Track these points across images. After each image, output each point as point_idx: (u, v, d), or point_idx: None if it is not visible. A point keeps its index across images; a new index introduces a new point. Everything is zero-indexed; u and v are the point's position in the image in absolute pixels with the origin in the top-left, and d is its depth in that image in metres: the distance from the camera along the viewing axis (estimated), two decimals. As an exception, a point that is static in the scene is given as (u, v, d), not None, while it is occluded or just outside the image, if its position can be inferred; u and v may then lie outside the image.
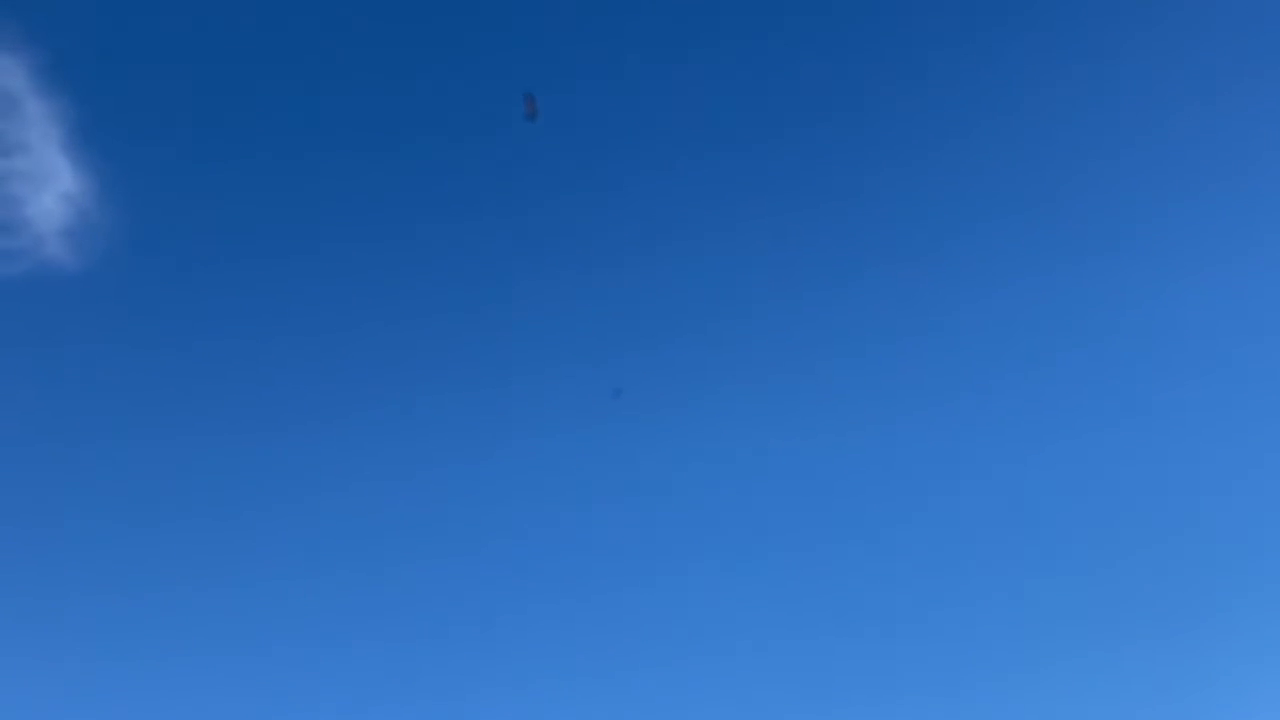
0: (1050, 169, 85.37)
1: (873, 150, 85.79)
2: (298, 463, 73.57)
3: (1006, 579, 71.51)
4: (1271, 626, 67.57)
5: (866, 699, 66.81)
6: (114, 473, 72.10)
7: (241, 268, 79.00)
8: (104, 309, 76.83)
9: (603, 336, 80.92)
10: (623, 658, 68.63)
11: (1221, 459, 75.39)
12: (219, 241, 79.51)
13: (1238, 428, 76.25)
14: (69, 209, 77.81)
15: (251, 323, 77.74)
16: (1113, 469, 75.50)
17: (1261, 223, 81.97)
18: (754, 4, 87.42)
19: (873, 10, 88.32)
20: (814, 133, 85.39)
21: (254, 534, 71.58)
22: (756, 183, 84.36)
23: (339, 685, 65.97)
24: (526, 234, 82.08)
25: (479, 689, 66.87)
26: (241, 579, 68.97)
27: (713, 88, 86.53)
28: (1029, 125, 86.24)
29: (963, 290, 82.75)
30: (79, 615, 68.23)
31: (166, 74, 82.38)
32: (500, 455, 75.18)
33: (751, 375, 79.62)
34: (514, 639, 69.04)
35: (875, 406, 78.44)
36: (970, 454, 76.64)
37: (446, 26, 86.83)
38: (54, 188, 79.60)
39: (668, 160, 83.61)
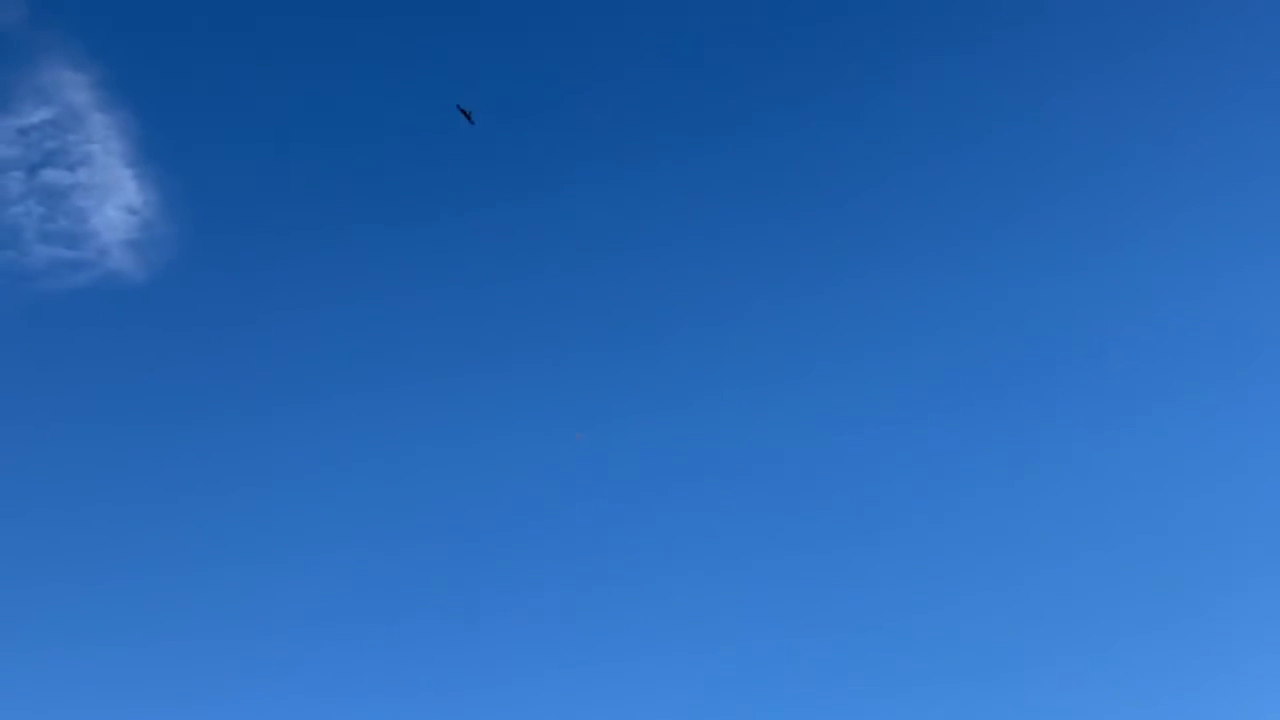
0: (1042, 173, 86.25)
1: (864, 153, 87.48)
2: (352, 462, 75.51)
3: (1004, 578, 73.00)
4: (1272, 627, 68.08)
5: (864, 696, 68.24)
6: (177, 469, 74.67)
7: (300, 275, 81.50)
8: (168, 317, 79.55)
9: (598, 335, 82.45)
10: (618, 651, 70.39)
11: (1220, 458, 76.26)
12: (279, 250, 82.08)
13: (1237, 427, 76.80)
14: (132, 220, 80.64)
15: (311, 327, 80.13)
16: (1110, 467, 76.82)
17: (1260, 225, 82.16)
18: (746, 7, 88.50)
19: (867, 12, 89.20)
20: (802, 135, 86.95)
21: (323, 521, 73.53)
22: (756, 183, 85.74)
23: (334, 673, 68.18)
24: (523, 233, 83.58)
25: (470, 679, 68.90)
26: (244, 564, 71.23)
27: (708, 88, 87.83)
28: (1021, 128, 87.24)
29: (959, 291, 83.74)
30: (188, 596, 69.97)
31: (226, 88, 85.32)
32: (493, 450, 77.31)
33: (748, 374, 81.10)
34: (507, 630, 71.05)
35: (874, 406, 79.90)
36: (967, 455, 78.39)
37: (447, 30, 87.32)
38: (117, 200, 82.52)
39: (662, 159, 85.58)
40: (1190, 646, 68.78)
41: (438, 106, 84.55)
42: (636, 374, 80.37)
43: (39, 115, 79.77)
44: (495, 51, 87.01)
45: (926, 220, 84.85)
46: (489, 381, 79.34)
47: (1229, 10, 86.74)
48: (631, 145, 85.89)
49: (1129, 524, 73.80)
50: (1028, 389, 78.98)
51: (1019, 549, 73.45)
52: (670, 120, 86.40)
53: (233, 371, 78.43)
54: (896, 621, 70.34)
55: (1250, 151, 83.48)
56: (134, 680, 66.81)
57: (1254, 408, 76.98)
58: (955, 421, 78.22)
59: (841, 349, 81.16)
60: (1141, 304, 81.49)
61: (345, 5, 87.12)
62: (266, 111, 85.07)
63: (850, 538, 74.13)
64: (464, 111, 64.32)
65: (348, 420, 77.02)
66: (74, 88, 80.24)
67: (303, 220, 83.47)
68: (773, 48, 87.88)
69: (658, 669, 68.89)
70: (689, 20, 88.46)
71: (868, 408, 78.67)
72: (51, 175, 79.68)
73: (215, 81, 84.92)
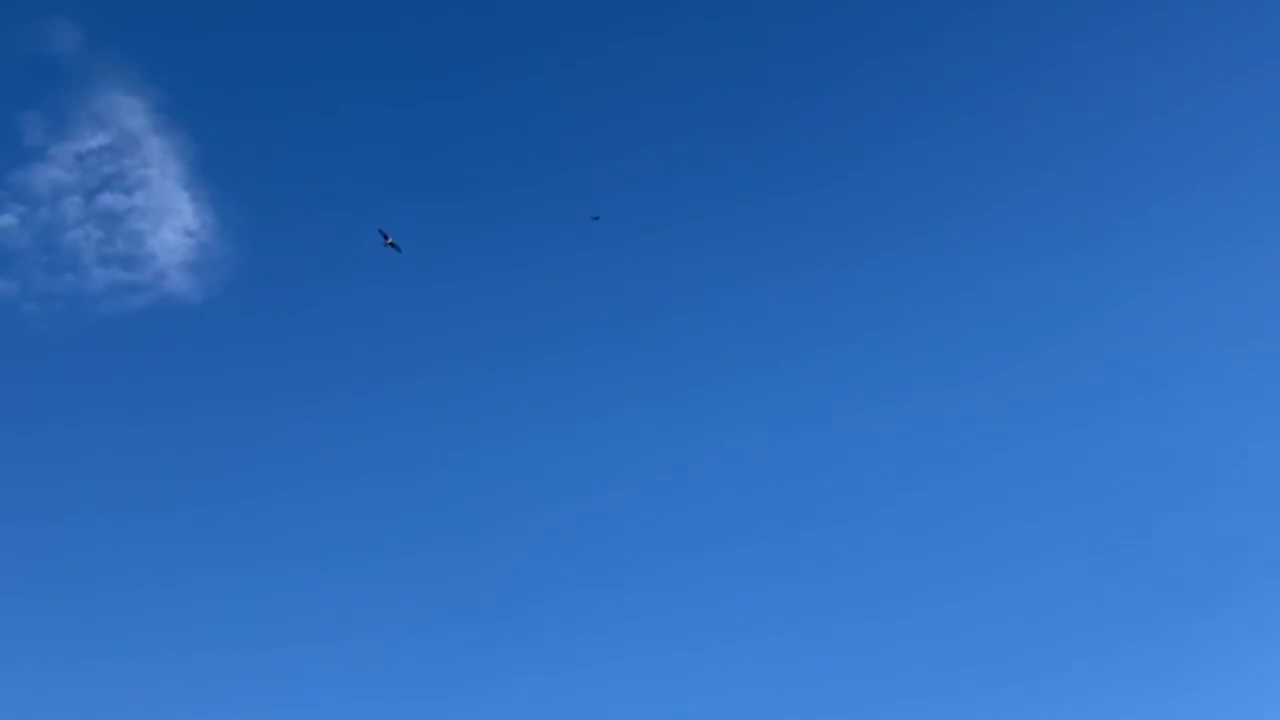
0: (1036, 167, 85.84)
1: (860, 150, 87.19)
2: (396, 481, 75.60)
3: (999, 574, 72.50)
4: (1271, 627, 66.98)
5: (861, 693, 67.68)
6: (234, 484, 74.92)
7: (355, 294, 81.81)
8: (225, 339, 79.96)
9: (591, 332, 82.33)
10: (617, 649, 70.03)
11: (1220, 457, 75.29)
12: (334, 271, 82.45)
13: (1236, 426, 75.85)
14: (189, 243, 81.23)
15: (366, 346, 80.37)
16: (1106, 466, 76.15)
17: (1252, 220, 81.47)
18: (746, 6, 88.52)
19: (866, 11, 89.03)
20: (800, 135, 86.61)
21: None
22: (752, 182, 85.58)
23: (337, 674, 68.23)
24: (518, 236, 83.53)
25: (470, 679, 68.59)
26: (251, 571, 71.42)
27: (706, 88, 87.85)
28: (1012, 124, 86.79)
29: (950, 284, 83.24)
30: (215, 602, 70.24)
31: (280, 111, 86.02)
32: (488, 449, 77.29)
33: (742, 368, 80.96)
34: (507, 629, 70.75)
35: (864, 400, 79.73)
36: (961, 449, 78.21)
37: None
38: (174, 223, 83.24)
39: (655, 156, 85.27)
40: (1189, 647, 68.71)
41: (492, 133, 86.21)
42: (633, 369, 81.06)
43: (96, 140, 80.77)
44: (494, 52, 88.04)
45: (917, 214, 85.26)
46: (478, 377, 79.93)
47: (1228, 9, 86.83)
48: (630, 144, 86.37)
49: (1125, 518, 73.78)
50: (1025, 380, 79.16)
51: (1016, 540, 73.53)
52: (669, 119, 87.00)
53: (290, 390, 78.83)
54: (897, 616, 70.88)
55: (1248, 149, 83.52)
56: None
57: (1253, 398, 76.68)
58: (952, 413, 78.40)
59: (837, 341, 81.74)
60: (1137, 295, 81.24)
61: (395, 35, 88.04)
62: (320, 134, 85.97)
63: (847, 530, 74.46)
64: (386, 238, 66.22)
65: (402, 431, 77.53)
66: (130, 112, 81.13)
67: (356, 240, 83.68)
68: (770, 47, 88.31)
69: (658, 668, 69.29)
70: (688, 20, 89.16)
71: (865, 400, 79.23)
72: (109, 199, 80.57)
73: (269, 105, 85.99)
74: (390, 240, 68.20)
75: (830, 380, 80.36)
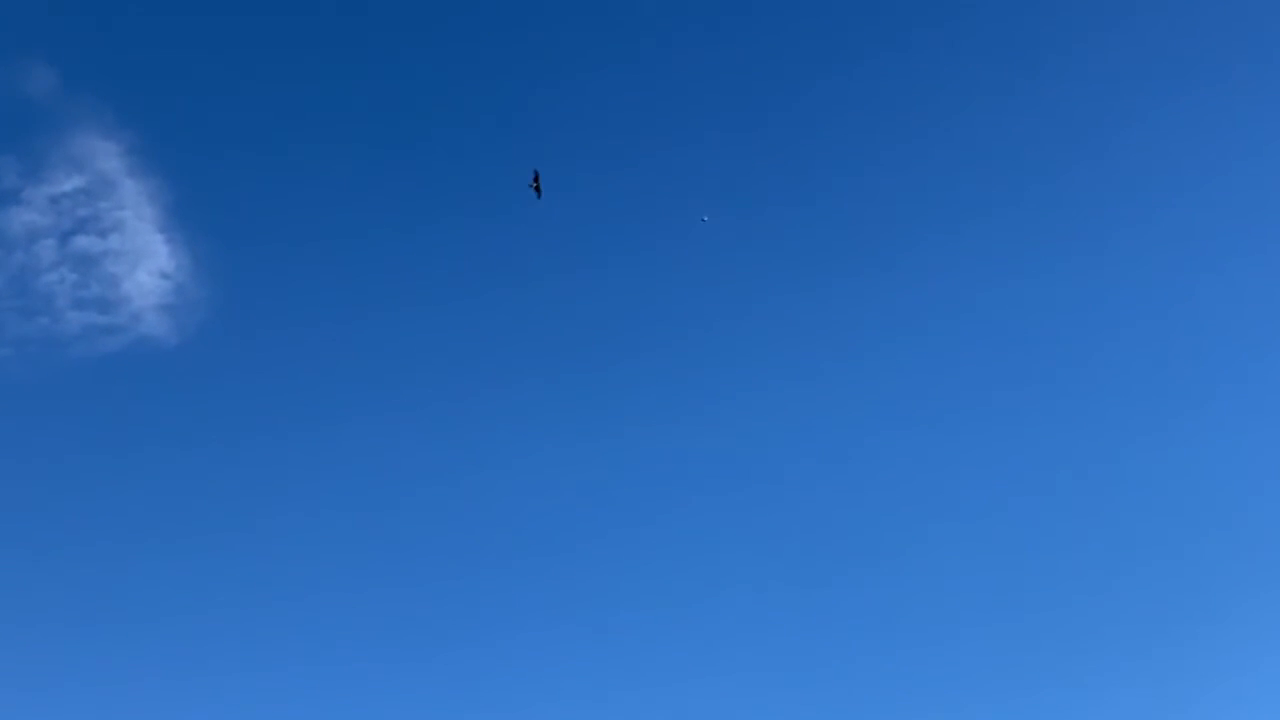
0: (1040, 171, 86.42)
1: (859, 154, 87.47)
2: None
3: (1002, 582, 72.43)
4: (1271, 628, 67.32)
5: (862, 701, 67.44)
6: (208, 530, 74.39)
7: (331, 336, 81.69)
8: (201, 381, 79.62)
9: (597, 341, 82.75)
10: (621, 661, 69.74)
11: (1221, 459, 75.68)
12: (309, 312, 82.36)
13: (1237, 428, 76.38)
14: (164, 285, 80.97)
15: (343, 388, 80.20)
16: (1105, 469, 76.20)
17: (1254, 222, 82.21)
18: (745, 6, 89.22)
19: (866, 10, 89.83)
20: (799, 135, 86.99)
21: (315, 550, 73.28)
22: (751, 185, 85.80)
23: (342, 687, 67.64)
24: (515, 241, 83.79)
25: (474, 690, 68.15)
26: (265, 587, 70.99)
27: (704, 88, 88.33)
28: (1020, 124, 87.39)
29: (962, 290, 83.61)
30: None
31: (255, 153, 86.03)
32: (491, 461, 77.22)
33: (749, 377, 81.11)
34: (511, 642, 70.36)
35: (880, 408, 79.98)
36: (969, 459, 77.83)
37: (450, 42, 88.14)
38: (149, 265, 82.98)
39: (660, 160, 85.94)
40: (1188, 645, 68.80)
41: (468, 168, 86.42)
42: (638, 379, 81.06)
43: (71, 183, 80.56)
44: (493, 54, 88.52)
45: (925, 220, 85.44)
46: (480, 388, 79.96)
47: (1226, 8, 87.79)
48: (629, 146, 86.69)
49: (1129, 525, 73.94)
50: (1031, 381, 79.43)
51: (1024, 550, 73.67)
52: (668, 121, 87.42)
53: (266, 431, 78.56)
54: (902, 619, 70.86)
55: (1247, 147, 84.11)
56: None
57: (1258, 403, 77.28)
58: (961, 421, 78.70)
59: (845, 350, 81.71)
60: (1141, 301, 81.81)
61: (369, 78, 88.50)
62: (295, 176, 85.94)
63: (856, 541, 74.50)
64: (535, 184, 65.01)
65: (380, 470, 77.40)
66: (105, 155, 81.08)
67: (332, 282, 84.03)
68: (768, 47, 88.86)
69: (662, 674, 69.07)
70: (688, 19, 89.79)
71: (873, 410, 79.25)
72: (84, 242, 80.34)
73: (244, 147, 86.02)
74: (538, 182, 66.19)
75: (835, 382, 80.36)
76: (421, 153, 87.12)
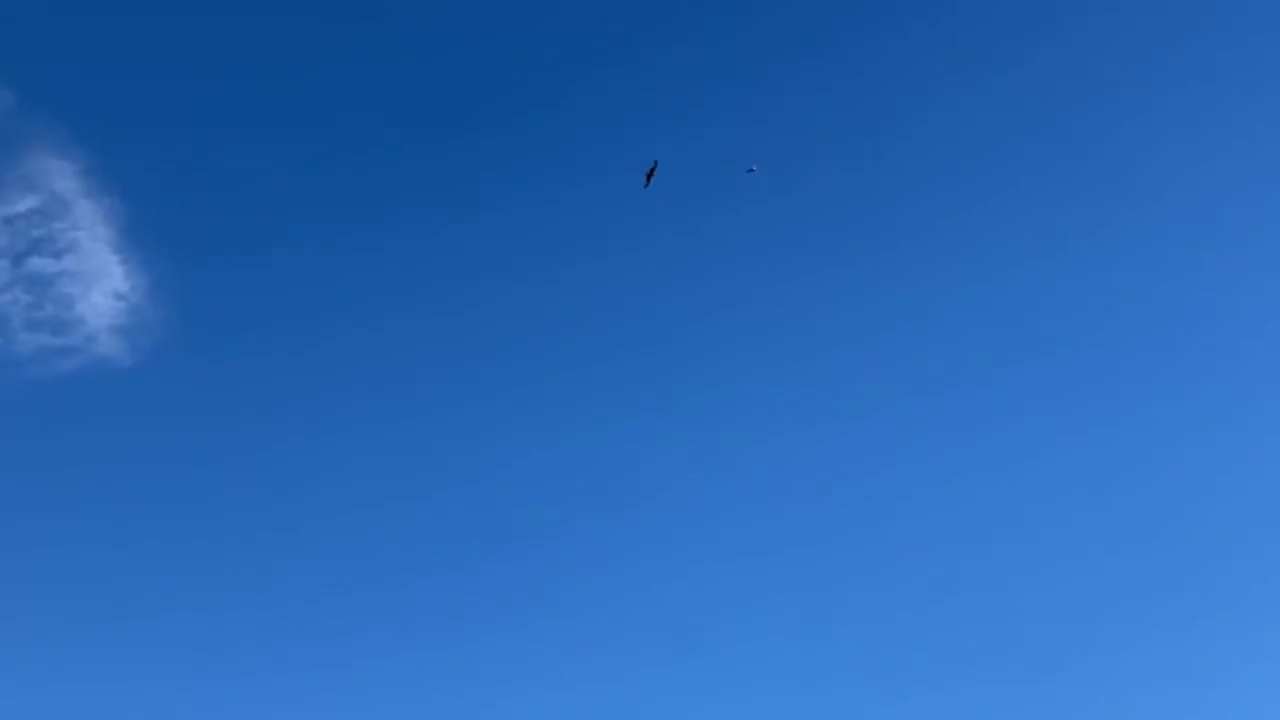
0: (1037, 165, 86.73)
1: (859, 150, 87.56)
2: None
3: (1002, 577, 72.47)
4: (1272, 628, 67.77)
5: (862, 697, 67.52)
6: (165, 558, 73.66)
7: (289, 358, 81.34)
8: (156, 402, 79.02)
9: (595, 339, 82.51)
10: (625, 656, 69.63)
11: (1220, 459, 76.16)
12: (267, 334, 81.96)
13: (1238, 427, 76.94)
14: (119, 306, 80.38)
15: (301, 410, 79.78)
16: (1109, 462, 76.60)
17: (1254, 223, 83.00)
18: (744, 6, 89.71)
19: (865, 10, 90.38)
20: (798, 134, 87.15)
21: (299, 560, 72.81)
22: (750, 184, 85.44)
23: (345, 688, 67.19)
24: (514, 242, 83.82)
25: (479, 691, 67.85)
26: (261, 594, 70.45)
27: (702, 87, 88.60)
28: (1019, 124, 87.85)
29: (957, 284, 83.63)
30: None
31: (211, 173, 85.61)
32: (494, 462, 76.96)
33: (751, 374, 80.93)
34: (516, 640, 70.08)
35: (873, 403, 79.39)
36: (969, 450, 77.72)
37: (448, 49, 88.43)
38: (104, 286, 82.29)
39: (647, 158, 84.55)
40: (1188, 645, 68.71)
41: (428, 187, 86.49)
42: (636, 376, 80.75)
43: (25, 203, 79.94)
44: (491, 55, 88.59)
45: (921, 214, 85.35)
46: (483, 391, 79.97)
47: (1225, 9, 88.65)
48: (627, 145, 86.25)
49: (1129, 521, 73.76)
50: (1027, 382, 79.11)
51: (1017, 545, 73.62)
52: (666, 119, 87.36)
53: (222, 452, 78.04)
54: (901, 621, 70.41)
55: (1247, 146, 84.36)
56: None
57: (1256, 398, 77.59)
58: (953, 416, 78.47)
59: (839, 345, 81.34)
60: (1139, 296, 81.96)
61: (330, 97, 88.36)
62: (252, 196, 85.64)
63: (850, 536, 74.30)
64: (650, 173, 64.33)
65: (343, 491, 76.73)
66: (60, 175, 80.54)
67: (291, 302, 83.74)
68: (766, 46, 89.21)
69: (661, 671, 68.75)
70: (687, 19, 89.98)
71: (866, 405, 78.78)
72: (38, 263, 79.68)
73: (200, 167, 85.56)
74: (652, 173, 65.31)
75: (842, 383, 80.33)
76: (380, 173, 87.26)
